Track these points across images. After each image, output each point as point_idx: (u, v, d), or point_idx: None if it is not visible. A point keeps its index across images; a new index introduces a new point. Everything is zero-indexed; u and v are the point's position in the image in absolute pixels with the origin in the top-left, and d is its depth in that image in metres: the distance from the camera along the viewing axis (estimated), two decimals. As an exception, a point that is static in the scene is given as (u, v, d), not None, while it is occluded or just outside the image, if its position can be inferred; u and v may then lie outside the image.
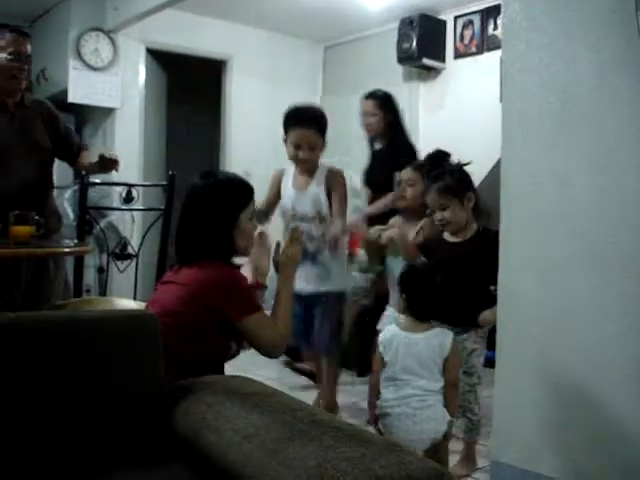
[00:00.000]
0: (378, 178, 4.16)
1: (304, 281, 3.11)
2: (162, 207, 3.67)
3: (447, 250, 3.02)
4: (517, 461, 2.67)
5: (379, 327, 3.32)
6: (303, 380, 3.92)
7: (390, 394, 2.44)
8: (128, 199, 3.81)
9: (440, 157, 3.13)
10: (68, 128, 3.58)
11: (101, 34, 5.80)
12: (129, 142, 6.04)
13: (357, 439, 1.38)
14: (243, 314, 2.18)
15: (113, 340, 1.76)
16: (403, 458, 1.28)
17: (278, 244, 2.51)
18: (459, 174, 3.00)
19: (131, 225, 4.95)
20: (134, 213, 4.10)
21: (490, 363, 2.87)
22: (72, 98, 5.67)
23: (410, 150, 4.16)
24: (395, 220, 3.49)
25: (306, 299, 3.28)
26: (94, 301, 2.87)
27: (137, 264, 3.72)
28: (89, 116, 6.24)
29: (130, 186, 3.75)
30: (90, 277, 4.97)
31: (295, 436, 1.40)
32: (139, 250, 3.70)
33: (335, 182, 3.36)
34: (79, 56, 5.71)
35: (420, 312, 2.55)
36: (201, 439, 1.59)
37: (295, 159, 3.36)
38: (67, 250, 3.14)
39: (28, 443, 1.58)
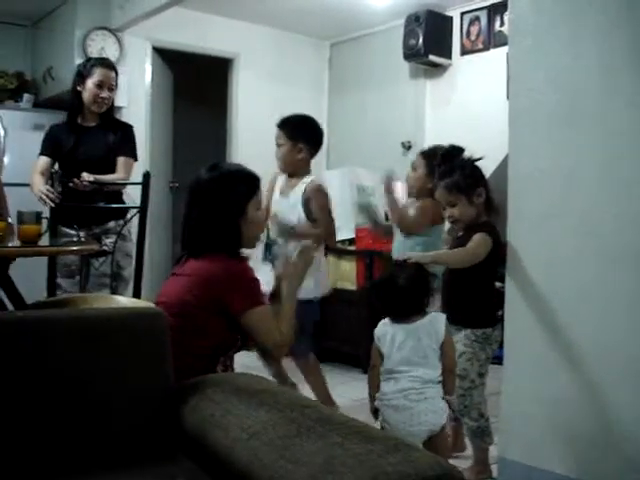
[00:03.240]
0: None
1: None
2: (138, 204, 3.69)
3: (451, 246, 3.01)
4: (523, 457, 2.67)
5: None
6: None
7: (388, 387, 2.43)
8: None
9: (453, 153, 3.04)
10: None
11: (107, 33, 5.80)
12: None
13: (364, 436, 1.38)
14: (246, 306, 2.19)
15: (121, 337, 1.77)
16: (411, 455, 1.28)
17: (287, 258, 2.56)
18: (469, 170, 2.91)
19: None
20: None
21: (499, 360, 2.85)
22: (79, 97, 5.67)
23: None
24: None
25: None
26: (89, 298, 2.84)
27: (112, 261, 3.75)
28: (96, 115, 6.25)
29: (102, 184, 3.78)
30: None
31: (302, 433, 1.41)
32: (114, 247, 3.71)
33: (313, 193, 3.40)
34: (85, 55, 5.68)
35: (396, 314, 2.51)
36: (209, 436, 1.60)
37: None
38: (74, 249, 3.15)
39: (38, 439, 1.59)
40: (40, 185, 3.69)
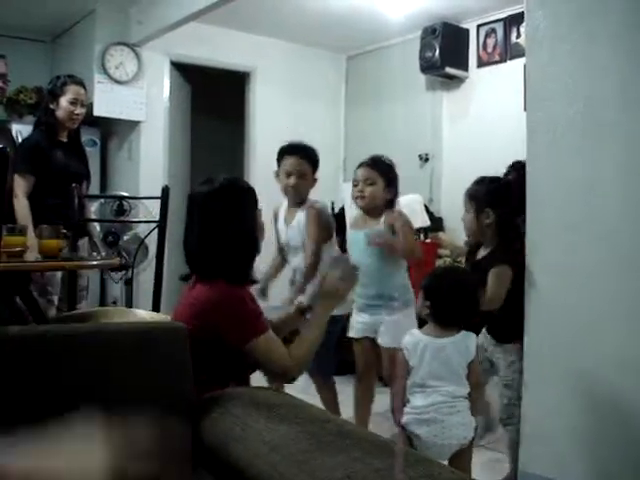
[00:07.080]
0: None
1: None
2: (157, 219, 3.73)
3: (475, 266, 3.05)
4: (545, 471, 2.65)
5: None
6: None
7: (419, 401, 2.41)
8: (119, 211, 3.91)
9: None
10: None
11: (126, 48, 5.85)
12: (154, 154, 6.09)
13: (385, 451, 1.37)
14: (247, 337, 2.06)
15: (142, 351, 1.77)
16: (432, 470, 1.27)
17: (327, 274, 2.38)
18: (494, 188, 2.99)
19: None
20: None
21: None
22: (97, 112, 5.72)
23: None
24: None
25: None
26: (110, 312, 2.85)
27: (132, 275, 3.75)
28: (114, 129, 6.30)
29: (121, 199, 3.81)
30: (117, 289, 5.02)
31: (322, 447, 1.40)
32: (134, 261, 3.72)
33: (308, 217, 3.36)
34: (104, 70, 5.76)
35: (447, 320, 2.48)
36: (229, 450, 1.59)
37: (286, 187, 3.41)
38: (95, 263, 3.17)
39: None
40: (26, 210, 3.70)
